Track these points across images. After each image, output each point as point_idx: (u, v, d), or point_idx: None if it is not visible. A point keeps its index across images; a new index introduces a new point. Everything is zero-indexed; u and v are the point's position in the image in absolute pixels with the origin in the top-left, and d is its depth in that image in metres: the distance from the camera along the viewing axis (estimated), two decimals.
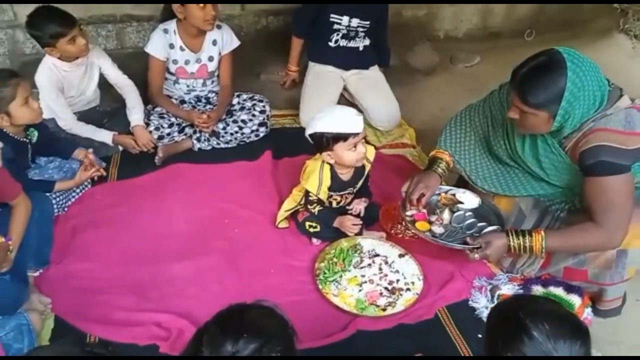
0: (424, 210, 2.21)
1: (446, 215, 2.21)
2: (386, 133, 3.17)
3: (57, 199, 2.40)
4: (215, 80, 3.06)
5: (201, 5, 2.69)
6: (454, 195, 2.30)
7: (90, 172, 2.49)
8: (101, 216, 2.44)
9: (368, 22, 3.07)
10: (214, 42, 2.92)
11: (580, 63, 1.78)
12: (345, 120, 2.11)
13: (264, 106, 3.00)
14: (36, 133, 2.44)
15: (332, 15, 3.02)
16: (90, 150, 2.57)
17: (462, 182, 2.49)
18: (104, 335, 1.93)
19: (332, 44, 3.13)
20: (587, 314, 2.07)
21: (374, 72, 3.28)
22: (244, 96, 3.04)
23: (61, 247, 2.27)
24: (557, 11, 4.40)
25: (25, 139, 2.38)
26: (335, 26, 3.06)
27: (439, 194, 2.31)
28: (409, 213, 2.22)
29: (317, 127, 2.14)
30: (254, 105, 3.00)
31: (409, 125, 3.23)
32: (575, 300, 2.05)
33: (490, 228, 2.13)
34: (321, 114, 2.17)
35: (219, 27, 2.92)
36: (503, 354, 1.21)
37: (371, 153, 2.34)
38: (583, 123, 1.86)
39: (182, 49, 2.88)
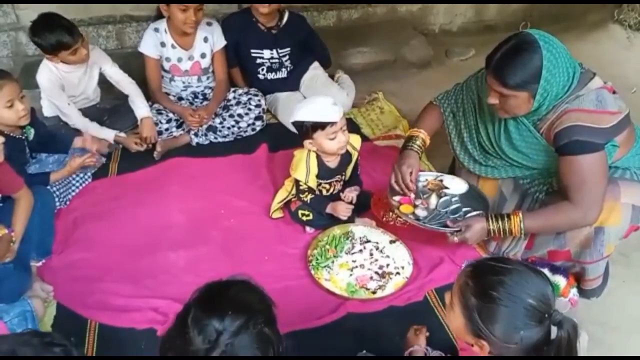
0: (412, 195, 2.28)
1: (433, 199, 2.28)
2: (381, 125, 3.23)
3: (58, 192, 2.48)
4: (211, 76, 3.14)
5: (182, 8, 2.76)
6: (441, 181, 2.37)
7: (82, 159, 2.53)
8: (101, 209, 2.52)
9: (288, 49, 3.19)
10: (205, 39, 3.00)
11: (551, 41, 1.85)
12: (323, 110, 2.19)
13: (259, 100, 3.07)
14: (32, 130, 2.50)
15: (252, 51, 3.14)
16: (89, 138, 2.64)
17: (451, 172, 2.55)
18: (104, 320, 2.00)
19: (260, 77, 3.23)
20: (572, 294, 2.11)
21: (313, 72, 3.33)
22: (240, 91, 3.12)
23: (63, 239, 2.35)
24: (551, 3, 4.45)
25: (21, 136, 2.44)
26: (259, 60, 3.17)
27: (427, 180, 2.38)
28: (396, 198, 2.28)
29: (298, 116, 2.24)
30: (249, 99, 3.07)
31: (402, 117, 3.29)
32: (560, 281, 2.09)
33: (473, 213, 2.19)
34: (301, 104, 2.28)
35: (209, 24, 3.01)
36: (503, 330, 1.30)
37: (357, 141, 2.41)
38: (557, 105, 1.91)
39: (173, 47, 2.96)
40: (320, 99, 2.28)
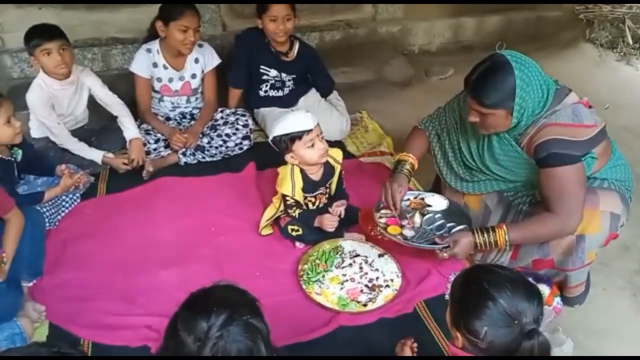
0: (396, 214, 2.33)
1: (417, 218, 2.35)
2: (365, 142, 3.31)
3: (48, 214, 2.48)
4: (200, 97, 3.18)
5: (182, 29, 2.83)
6: (422, 199, 2.44)
7: (74, 179, 2.56)
8: (92, 228, 2.53)
9: (294, 76, 3.30)
10: (196, 60, 3.06)
11: (522, 61, 1.95)
12: (297, 121, 2.30)
13: (246, 120, 3.12)
14: (20, 152, 2.50)
15: (261, 67, 3.24)
16: (64, 166, 2.65)
17: (436, 186, 2.63)
18: (97, 338, 2.01)
19: (262, 93, 3.32)
20: (556, 303, 2.18)
21: (314, 97, 3.42)
22: (227, 111, 3.17)
23: (54, 259, 2.35)
24: (525, 24, 4.61)
25: (10, 158, 2.45)
26: (265, 77, 3.27)
27: (408, 199, 2.45)
28: (382, 220, 2.35)
29: (274, 132, 2.34)
30: (237, 119, 3.11)
31: (386, 134, 3.37)
32: (544, 289, 2.15)
33: (458, 227, 2.26)
34: (276, 121, 2.38)
35: (200, 45, 3.07)
36: (470, 321, 1.36)
37: (338, 155, 2.49)
38: (536, 120, 2.01)
39: (165, 67, 3.02)
40: (292, 113, 2.40)
